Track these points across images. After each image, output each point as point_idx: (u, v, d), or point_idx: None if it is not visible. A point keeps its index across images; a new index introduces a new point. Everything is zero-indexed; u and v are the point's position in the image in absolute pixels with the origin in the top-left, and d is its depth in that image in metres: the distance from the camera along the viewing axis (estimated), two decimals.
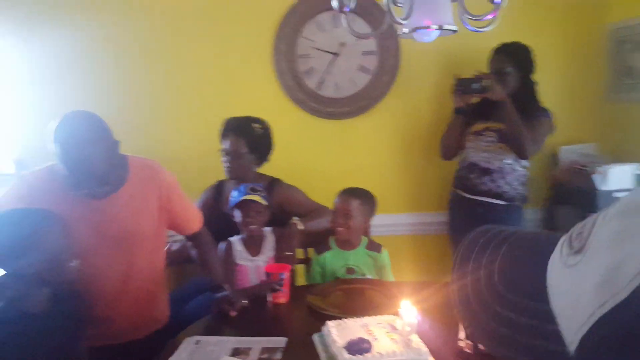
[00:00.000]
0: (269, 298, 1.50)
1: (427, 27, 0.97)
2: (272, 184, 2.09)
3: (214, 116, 2.20)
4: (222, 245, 1.77)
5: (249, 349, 1.22)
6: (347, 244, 1.76)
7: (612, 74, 2.51)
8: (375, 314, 1.28)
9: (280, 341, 1.25)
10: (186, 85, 2.60)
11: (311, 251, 1.90)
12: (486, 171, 2.23)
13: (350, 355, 1.07)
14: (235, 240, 1.79)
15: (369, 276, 1.71)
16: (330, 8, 1.04)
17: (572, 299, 0.27)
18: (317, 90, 2.59)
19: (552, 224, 2.46)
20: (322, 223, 1.85)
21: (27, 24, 2.51)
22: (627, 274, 0.24)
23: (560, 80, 2.58)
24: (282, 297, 1.49)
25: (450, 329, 1.15)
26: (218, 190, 2.11)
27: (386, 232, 2.67)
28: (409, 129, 2.65)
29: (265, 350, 1.21)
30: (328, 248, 1.79)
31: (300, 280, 2.04)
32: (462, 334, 1.09)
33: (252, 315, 1.47)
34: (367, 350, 1.09)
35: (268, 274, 1.52)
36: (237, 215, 1.74)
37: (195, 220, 1.68)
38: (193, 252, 1.72)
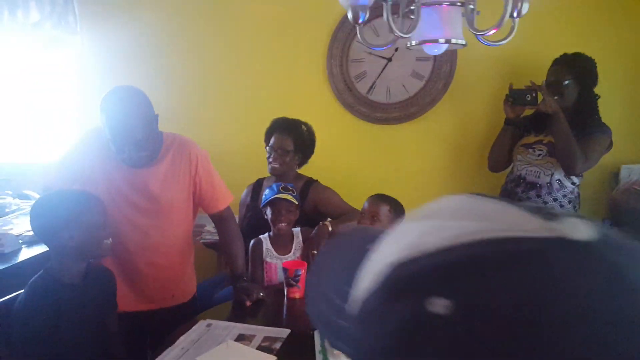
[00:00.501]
0: (286, 293, 1.58)
1: (435, 41, 0.98)
2: (309, 184, 2.16)
3: (264, 115, 2.30)
4: (252, 242, 1.87)
5: (253, 335, 1.30)
6: None
7: None
8: None
9: (283, 332, 1.32)
10: (239, 85, 2.75)
11: None
12: (533, 186, 2.15)
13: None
14: (264, 238, 1.88)
15: None
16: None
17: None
18: (368, 95, 2.62)
19: None
20: (352, 226, 1.89)
21: (100, 19, 2.79)
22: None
23: (625, 95, 2.40)
24: (297, 293, 1.56)
25: None
26: (257, 188, 2.22)
27: None
28: (459, 138, 2.60)
29: (267, 338, 1.29)
30: None
31: None
32: None
33: (267, 306, 1.56)
34: None
35: (285, 270, 1.59)
36: (268, 213, 1.82)
37: (221, 200, 1.75)
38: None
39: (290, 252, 1.84)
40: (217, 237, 1.98)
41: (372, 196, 1.84)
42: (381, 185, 2.65)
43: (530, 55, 2.41)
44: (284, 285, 1.59)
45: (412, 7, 0.95)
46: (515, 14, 0.98)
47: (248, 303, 1.52)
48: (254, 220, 2.07)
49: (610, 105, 2.23)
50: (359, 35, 1.04)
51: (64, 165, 1.63)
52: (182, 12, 2.73)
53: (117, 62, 2.80)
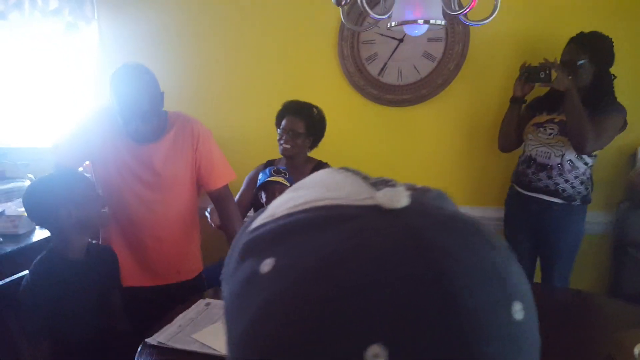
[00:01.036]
0: None
1: (413, 22, 0.98)
2: (319, 167, 2.19)
3: (275, 97, 2.33)
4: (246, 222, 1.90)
5: None
6: None
7: None
8: None
9: None
10: (251, 67, 2.79)
11: None
12: (543, 167, 2.13)
13: None
14: None
15: None
16: None
17: None
18: (379, 77, 2.61)
19: (622, 229, 2.26)
20: None
21: (116, 6, 2.86)
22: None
23: None
24: None
25: None
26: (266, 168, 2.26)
27: None
28: (473, 119, 2.57)
29: None
30: None
31: None
32: None
33: None
34: None
35: None
36: (263, 197, 1.86)
37: (220, 178, 1.82)
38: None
39: None
40: None
41: None
42: (392, 168, 2.67)
43: (546, 35, 2.36)
44: None
45: None
46: None
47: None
48: (256, 201, 2.12)
49: (628, 86, 2.17)
50: (342, 18, 1.05)
51: (74, 141, 1.73)
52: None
53: (133, 47, 2.89)
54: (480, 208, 2.61)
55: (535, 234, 2.22)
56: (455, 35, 2.48)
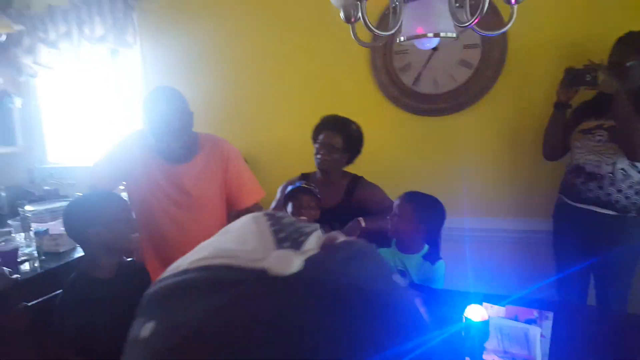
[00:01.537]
0: None
1: (423, 36, 0.96)
2: (355, 181, 2.17)
3: (308, 110, 2.36)
4: None
5: None
6: (405, 247, 1.77)
7: None
8: None
9: None
10: (285, 81, 2.83)
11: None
12: (593, 176, 2.00)
13: None
14: None
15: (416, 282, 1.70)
16: None
17: None
18: (413, 87, 2.57)
19: None
20: (385, 223, 1.87)
21: (156, 32, 2.99)
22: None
23: None
24: None
25: None
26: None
27: (485, 237, 2.56)
28: (516, 126, 2.47)
29: None
30: (388, 246, 1.82)
31: None
32: None
33: None
34: None
35: None
36: (289, 208, 1.87)
37: (250, 195, 1.91)
38: None
39: None
40: None
41: (403, 194, 1.81)
42: (430, 181, 2.60)
43: (591, 36, 2.24)
44: None
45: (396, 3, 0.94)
46: (512, 0, 0.93)
47: None
48: None
49: None
50: (352, 34, 1.05)
51: (109, 164, 1.82)
52: (229, 19, 2.87)
53: (171, 70, 3.01)
54: (526, 220, 2.50)
55: (587, 249, 2.08)
56: (492, 41, 2.40)
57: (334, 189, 2.12)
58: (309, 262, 0.27)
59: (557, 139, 2.16)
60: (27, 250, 2.23)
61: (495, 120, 2.50)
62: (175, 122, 1.68)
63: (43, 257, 2.08)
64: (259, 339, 0.23)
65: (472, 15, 0.92)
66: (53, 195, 3.15)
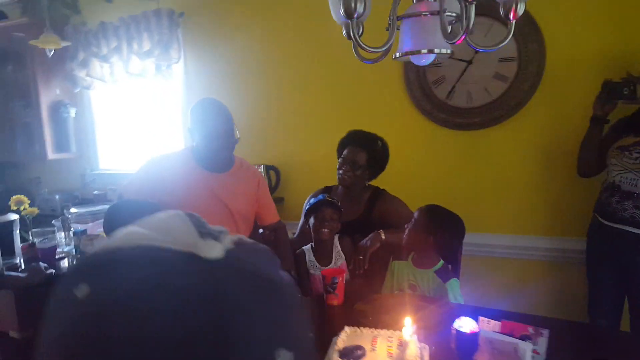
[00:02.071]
0: (325, 299, 1.67)
1: (418, 53, 1.01)
2: (376, 194, 2.19)
3: (341, 123, 2.41)
4: (296, 253, 2.03)
5: None
6: (419, 262, 1.79)
7: None
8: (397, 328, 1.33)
9: None
10: (319, 95, 2.92)
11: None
12: (629, 195, 1.94)
13: (339, 359, 1.18)
14: (307, 249, 2.00)
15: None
16: None
17: None
18: (447, 100, 2.59)
19: None
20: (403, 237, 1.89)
21: (200, 47, 3.18)
22: None
23: None
24: (335, 300, 1.64)
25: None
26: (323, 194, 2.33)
27: (516, 255, 2.53)
28: (552, 142, 2.43)
29: None
30: (405, 259, 1.84)
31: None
32: None
33: (309, 310, 1.68)
34: (358, 357, 1.18)
35: (323, 277, 1.68)
36: (311, 221, 1.93)
37: (273, 216, 2.17)
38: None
39: (331, 262, 1.93)
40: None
41: (423, 206, 1.83)
42: (461, 195, 2.61)
43: (632, 49, 2.18)
44: (324, 292, 1.68)
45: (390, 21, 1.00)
46: (510, 16, 0.96)
47: None
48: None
49: None
50: (353, 50, 1.11)
51: (145, 177, 1.94)
52: (265, 36, 3.02)
53: (213, 84, 3.19)
54: (559, 239, 2.44)
55: (621, 271, 2.02)
56: (529, 55, 2.39)
57: (355, 202, 2.16)
58: (227, 252, 0.35)
59: (592, 155, 2.11)
60: (66, 249, 2.44)
61: (530, 135, 2.47)
62: (229, 127, 1.89)
63: (79, 255, 2.27)
64: (186, 306, 0.30)
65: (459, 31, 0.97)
66: (102, 199, 3.41)
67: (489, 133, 2.55)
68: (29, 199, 2.60)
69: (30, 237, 2.51)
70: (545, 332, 1.14)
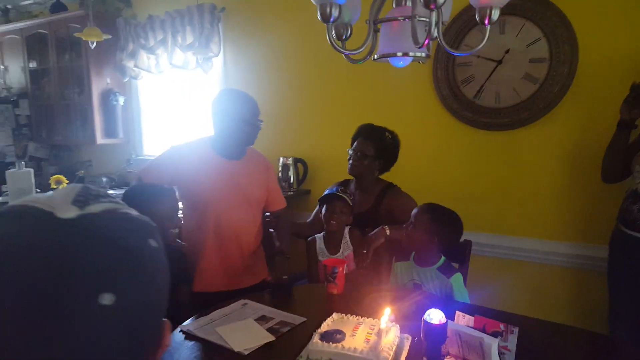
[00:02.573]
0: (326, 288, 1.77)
1: (394, 55, 1.09)
2: (386, 189, 2.27)
3: (369, 119, 2.45)
4: (308, 240, 2.16)
5: (272, 318, 1.54)
6: (421, 260, 1.84)
7: None
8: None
9: (298, 319, 1.52)
10: (348, 91, 3.01)
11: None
12: None
13: (319, 341, 1.28)
14: (319, 237, 2.12)
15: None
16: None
17: None
18: (475, 100, 2.60)
19: None
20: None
21: (238, 42, 3.35)
22: None
23: None
24: (335, 289, 1.73)
25: None
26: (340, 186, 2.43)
27: (537, 259, 2.53)
28: (580, 146, 2.40)
29: (281, 322, 1.51)
30: (407, 260, 1.90)
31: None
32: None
33: (305, 296, 1.78)
34: (337, 341, 1.27)
35: (324, 267, 1.78)
36: (323, 211, 2.04)
37: (280, 202, 2.29)
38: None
39: (339, 251, 2.03)
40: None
41: (422, 204, 1.89)
42: (485, 195, 2.62)
43: None
44: (325, 280, 1.78)
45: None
46: (486, 21, 1.02)
47: (268, 278, 1.93)
48: None
49: None
50: (327, 36, 1.19)
51: (167, 163, 2.09)
52: (298, 33, 3.16)
53: (249, 77, 3.36)
54: (581, 245, 2.42)
55: None
56: (561, 56, 2.37)
57: (367, 195, 2.26)
58: (82, 216, 0.45)
59: (617, 160, 2.07)
60: None
61: (558, 138, 2.45)
62: (255, 112, 2.05)
63: None
64: (31, 248, 0.42)
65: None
66: None
67: (515, 134, 2.55)
68: (80, 181, 2.86)
69: None
70: (516, 330, 1.19)
